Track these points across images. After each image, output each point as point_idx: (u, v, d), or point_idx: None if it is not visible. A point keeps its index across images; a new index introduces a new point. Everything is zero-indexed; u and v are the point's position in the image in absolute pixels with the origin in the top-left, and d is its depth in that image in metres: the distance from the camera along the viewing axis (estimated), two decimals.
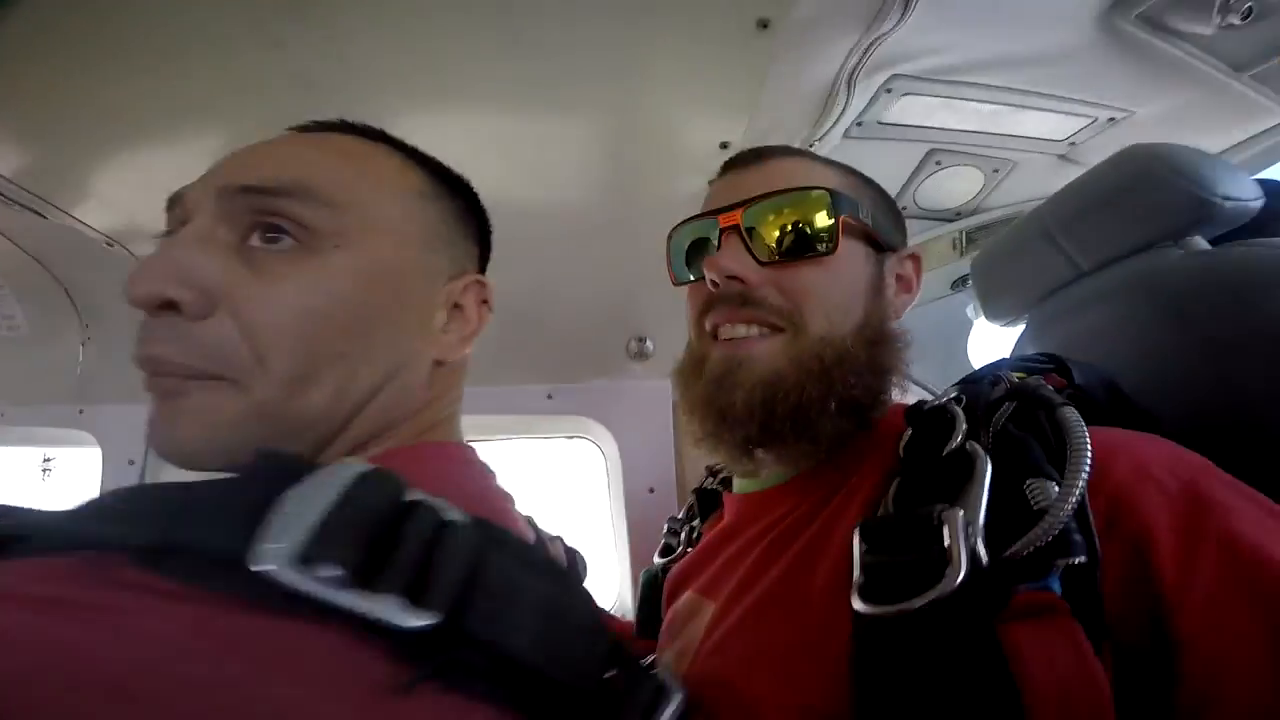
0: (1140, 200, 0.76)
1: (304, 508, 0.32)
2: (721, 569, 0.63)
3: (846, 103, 0.93)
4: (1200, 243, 0.75)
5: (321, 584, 0.30)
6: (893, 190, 1.09)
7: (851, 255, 0.62)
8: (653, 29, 0.77)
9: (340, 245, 0.47)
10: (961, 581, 0.39)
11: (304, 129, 0.54)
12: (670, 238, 0.70)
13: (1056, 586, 0.39)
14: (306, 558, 0.30)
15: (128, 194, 0.97)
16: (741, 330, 0.61)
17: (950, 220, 1.34)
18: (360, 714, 0.29)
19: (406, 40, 0.76)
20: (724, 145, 0.94)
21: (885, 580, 0.43)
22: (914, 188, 1.23)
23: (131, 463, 1.33)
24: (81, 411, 1.37)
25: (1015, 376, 0.55)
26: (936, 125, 1.05)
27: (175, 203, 0.48)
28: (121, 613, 0.28)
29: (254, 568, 0.30)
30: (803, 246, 0.60)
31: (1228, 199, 0.72)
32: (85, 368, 1.36)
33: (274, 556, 0.30)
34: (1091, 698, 0.36)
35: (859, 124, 1.03)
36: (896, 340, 0.62)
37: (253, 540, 0.30)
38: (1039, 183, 1.25)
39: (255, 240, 0.45)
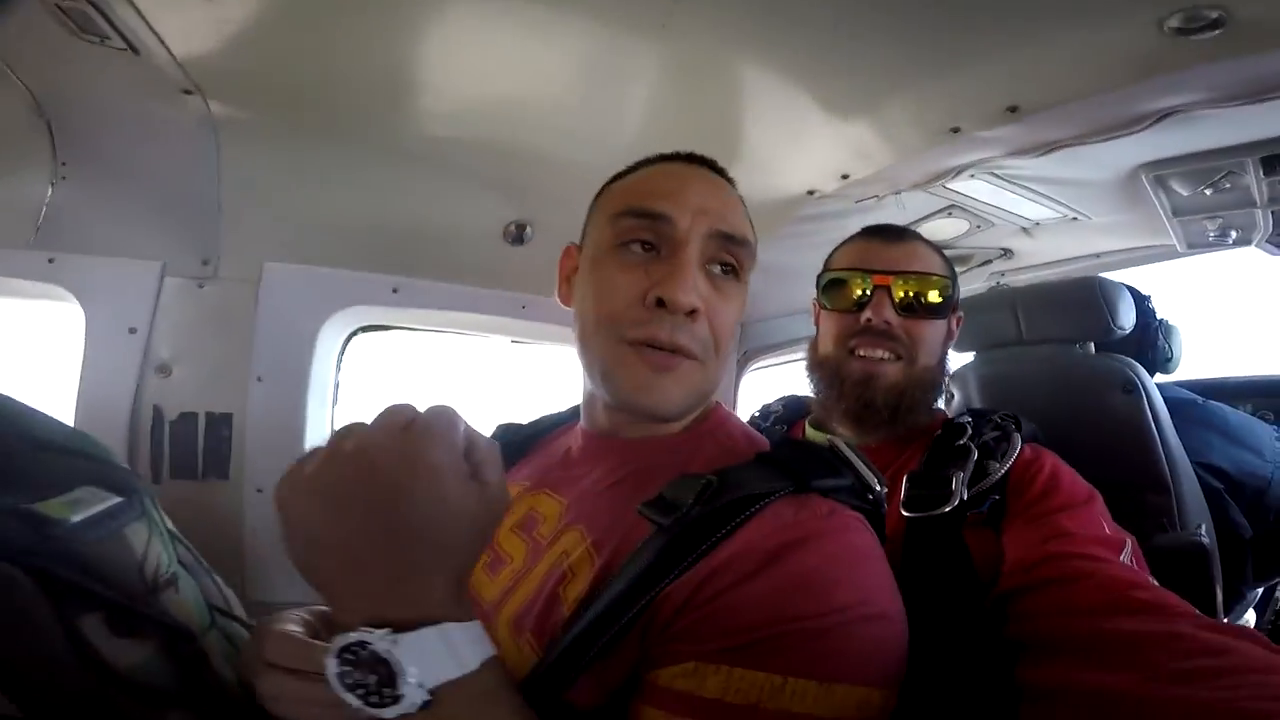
0: (1077, 311, 1.20)
1: (859, 462, 0.65)
2: None
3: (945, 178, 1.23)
4: (1090, 348, 1.22)
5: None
6: None
7: (944, 317, 1.00)
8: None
9: (745, 284, 0.73)
10: (954, 506, 0.79)
11: (713, 167, 0.76)
12: (821, 277, 1.03)
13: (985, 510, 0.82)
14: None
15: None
16: (878, 354, 0.96)
17: None
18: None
19: None
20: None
21: (916, 503, 0.82)
22: (924, 219, 1.57)
23: (133, 331, 1.22)
24: (52, 260, 1.20)
25: (999, 417, 0.94)
26: (972, 194, 1.37)
27: (659, 218, 0.67)
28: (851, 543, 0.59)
29: (870, 495, 0.63)
30: (924, 312, 0.97)
31: (1120, 328, 1.17)
32: (55, 209, 1.18)
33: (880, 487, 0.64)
34: (995, 562, 0.74)
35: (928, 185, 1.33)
36: (946, 364, 1.04)
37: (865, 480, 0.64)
38: (1000, 239, 1.63)
39: (716, 269, 0.69)
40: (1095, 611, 0.61)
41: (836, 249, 1.07)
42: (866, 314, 0.96)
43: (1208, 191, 1.25)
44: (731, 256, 0.70)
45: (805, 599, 0.53)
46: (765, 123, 1.07)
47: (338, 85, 1.04)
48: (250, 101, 1.08)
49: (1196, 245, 1.46)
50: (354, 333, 1.47)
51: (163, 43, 0.89)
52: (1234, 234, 1.38)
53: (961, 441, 0.88)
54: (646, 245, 0.68)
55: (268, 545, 1.28)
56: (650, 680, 0.55)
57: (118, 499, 0.74)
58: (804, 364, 1.09)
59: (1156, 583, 0.66)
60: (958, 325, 1.06)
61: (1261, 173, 1.15)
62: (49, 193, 1.16)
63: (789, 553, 0.55)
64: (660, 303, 0.65)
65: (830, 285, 1.02)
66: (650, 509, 0.61)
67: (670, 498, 0.61)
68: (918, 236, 1.04)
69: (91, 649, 0.63)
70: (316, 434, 1.38)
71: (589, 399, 0.80)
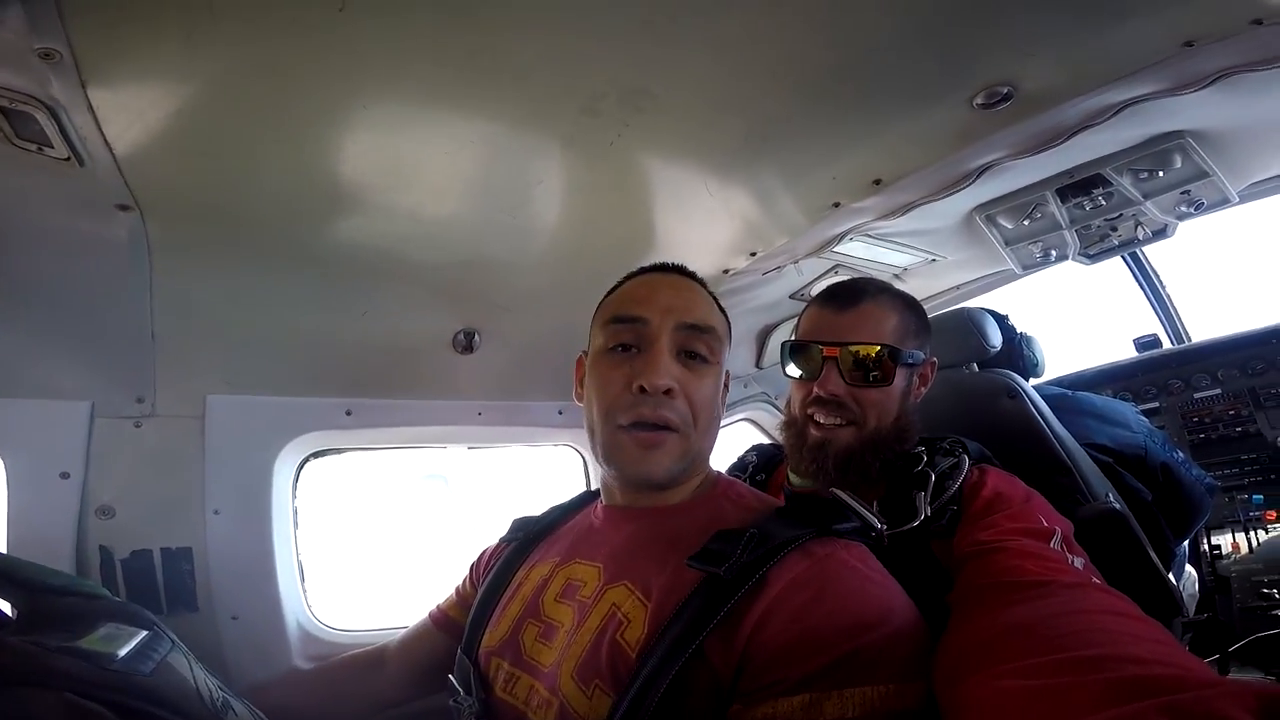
0: (956, 339, 1.42)
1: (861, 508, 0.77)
2: None
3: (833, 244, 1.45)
4: (974, 367, 1.43)
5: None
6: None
7: (897, 379, 1.06)
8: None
9: (716, 364, 0.87)
10: (919, 521, 0.91)
11: (681, 271, 0.93)
12: (784, 345, 1.13)
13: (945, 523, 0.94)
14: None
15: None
16: (831, 420, 1.05)
17: None
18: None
19: None
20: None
21: (887, 521, 0.91)
22: (816, 279, 1.80)
23: (66, 475, 1.13)
24: None
25: (948, 444, 1.06)
26: (852, 253, 1.61)
27: (635, 320, 0.84)
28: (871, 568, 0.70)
29: (873, 534, 0.74)
30: (870, 380, 1.05)
31: (992, 346, 1.40)
32: None
33: (880, 525, 0.76)
34: (955, 565, 0.86)
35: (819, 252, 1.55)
36: (912, 416, 1.10)
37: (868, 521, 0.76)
38: None
39: (687, 355, 0.85)
40: (985, 586, 0.76)
41: (803, 311, 1.17)
42: (815, 388, 1.06)
43: (1025, 221, 1.56)
44: (700, 343, 0.87)
45: (863, 614, 0.67)
46: (685, 217, 1.24)
47: (277, 203, 1.04)
48: (187, 219, 1.02)
49: (1029, 266, 1.78)
50: (306, 459, 1.44)
51: (111, 153, 0.86)
52: (1054, 253, 1.70)
53: (919, 469, 1.00)
54: (630, 346, 0.86)
55: (252, 671, 1.23)
56: (764, 716, 0.63)
57: (144, 631, 0.78)
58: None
59: (1078, 564, 0.80)
60: (932, 371, 1.17)
61: (1059, 200, 1.46)
62: None
63: (834, 581, 0.70)
64: (642, 389, 0.81)
65: (792, 352, 1.12)
66: (699, 561, 0.72)
67: (716, 550, 0.73)
68: (877, 295, 1.11)
69: None
70: (285, 560, 1.35)
71: (604, 482, 0.96)
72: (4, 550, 1.10)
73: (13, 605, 0.75)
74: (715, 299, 0.94)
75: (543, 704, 0.76)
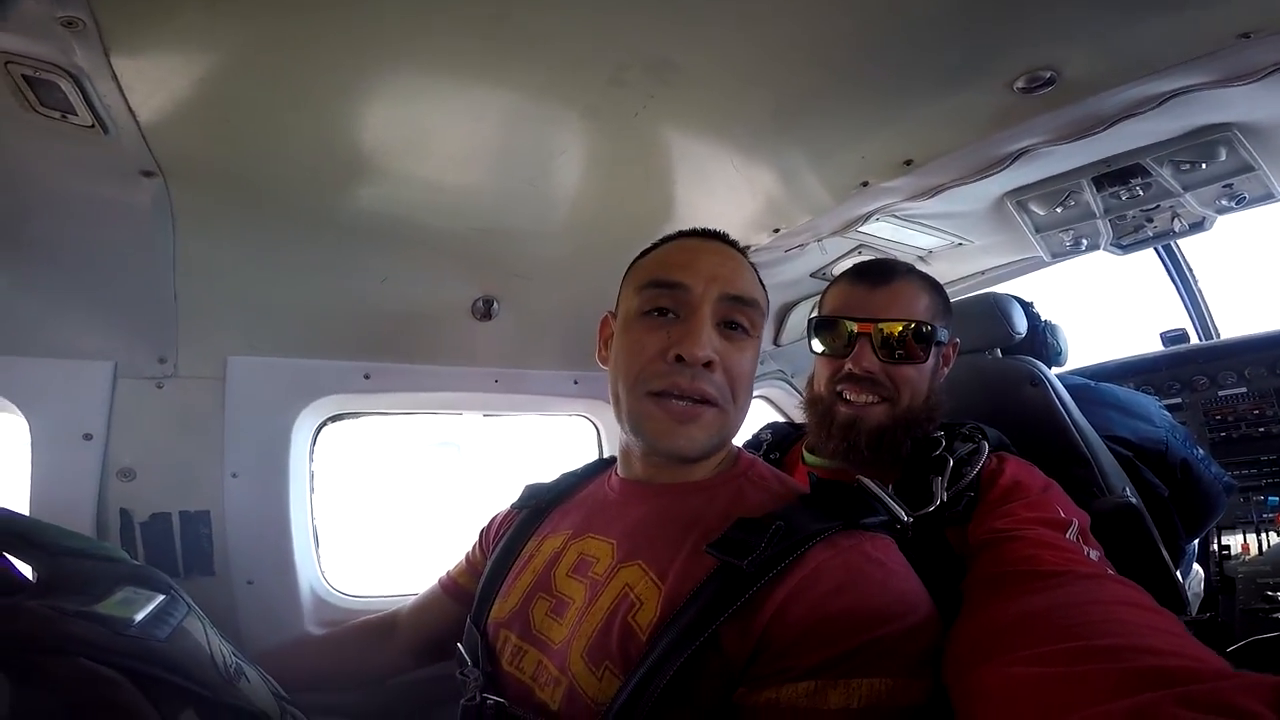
0: (981, 324, 1.40)
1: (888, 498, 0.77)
2: None
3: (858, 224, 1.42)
4: (997, 353, 1.41)
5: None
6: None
7: (929, 358, 1.06)
8: None
9: (756, 337, 0.84)
10: (935, 507, 0.90)
11: (724, 239, 0.90)
12: (811, 320, 1.11)
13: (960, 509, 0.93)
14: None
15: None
16: (862, 399, 1.04)
17: None
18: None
19: None
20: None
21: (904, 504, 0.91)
22: (839, 259, 1.78)
23: (89, 437, 1.15)
24: None
25: (968, 429, 1.06)
26: (877, 234, 1.58)
27: (675, 286, 0.81)
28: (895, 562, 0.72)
29: (899, 526, 0.74)
30: (906, 357, 1.04)
31: (1017, 333, 1.38)
32: None
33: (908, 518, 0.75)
34: (969, 553, 0.86)
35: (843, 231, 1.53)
36: (940, 396, 1.10)
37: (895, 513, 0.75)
38: None
39: (729, 327, 0.82)
40: (1000, 574, 0.76)
41: (828, 288, 1.16)
42: (848, 363, 1.04)
43: (1059, 209, 1.52)
44: (742, 315, 0.83)
45: (884, 608, 0.66)
46: (708, 191, 1.22)
47: (299, 170, 1.03)
48: (210, 184, 1.03)
49: (1058, 254, 1.74)
50: (324, 422, 1.45)
51: (135, 121, 0.85)
52: (1085, 242, 1.66)
53: (938, 453, 0.98)
54: (667, 311, 0.82)
55: (265, 636, 1.24)
56: (769, 701, 0.63)
57: (161, 596, 0.78)
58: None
59: (1093, 556, 0.80)
60: (954, 351, 1.17)
61: (1095, 189, 1.42)
62: None
63: (858, 574, 0.68)
64: (680, 358, 0.78)
65: (819, 328, 1.10)
66: (719, 550, 0.70)
67: (738, 539, 0.71)
68: (907, 274, 1.11)
69: None
70: (301, 525, 1.37)
71: (624, 451, 0.92)
72: (26, 513, 1.10)
73: (33, 568, 0.76)
74: (757, 272, 0.91)
75: (551, 681, 0.76)
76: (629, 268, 0.93)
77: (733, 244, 0.91)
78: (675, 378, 0.78)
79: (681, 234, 0.92)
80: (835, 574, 0.67)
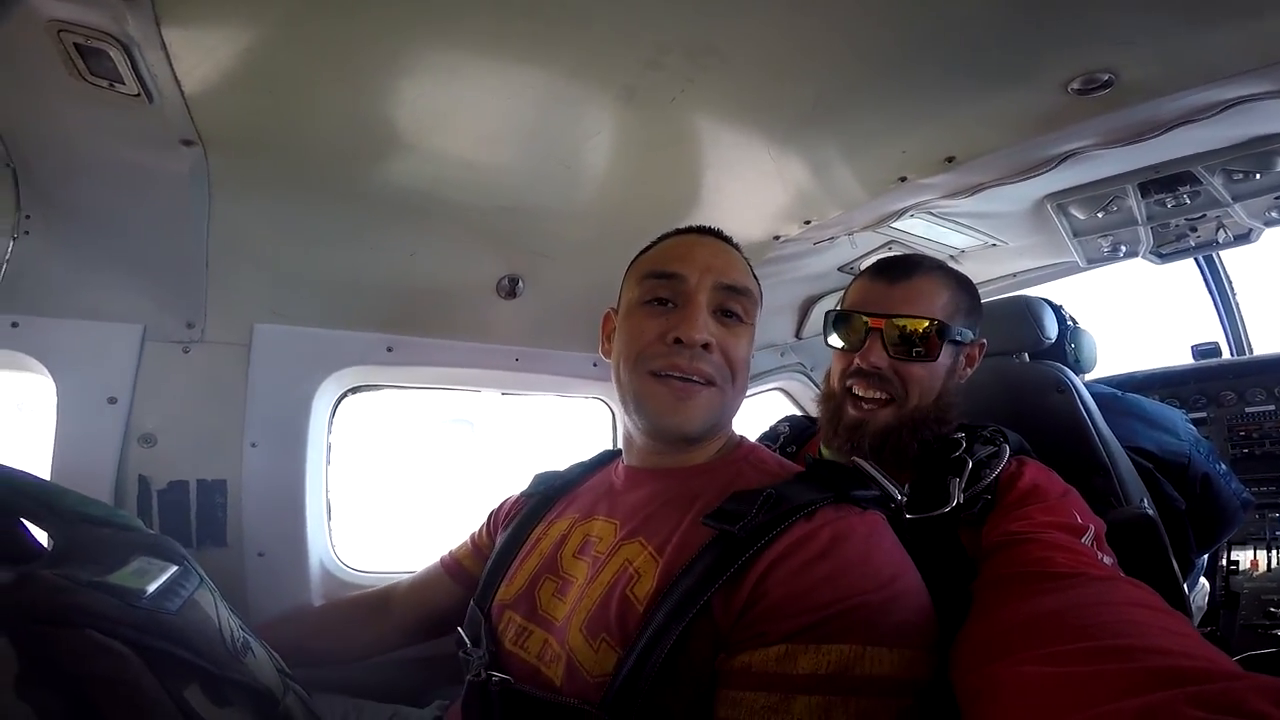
0: (1011, 327, 1.37)
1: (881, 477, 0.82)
2: None
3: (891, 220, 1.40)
4: (1025, 357, 1.39)
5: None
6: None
7: (943, 356, 1.03)
8: None
9: (751, 324, 0.85)
10: (950, 507, 0.89)
11: (718, 235, 0.93)
12: (828, 314, 1.10)
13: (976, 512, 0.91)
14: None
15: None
16: (872, 395, 1.03)
17: None
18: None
19: None
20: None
21: (918, 506, 0.91)
22: (868, 254, 1.75)
23: (113, 400, 1.15)
24: (15, 325, 1.12)
25: (989, 432, 1.03)
26: (909, 230, 1.55)
27: (673, 277, 0.85)
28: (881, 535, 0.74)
29: (892, 505, 0.77)
30: (915, 354, 1.01)
31: (1047, 338, 1.35)
32: (17, 267, 1.08)
33: (900, 497, 0.79)
34: (981, 555, 0.84)
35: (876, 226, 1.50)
36: (954, 396, 1.06)
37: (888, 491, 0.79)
38: None
39: (723, 314, 0.86)
40: (1013, 575, 0.75)
41: (851, 283, 1.14)
42: (857, 359, 1.03)
43: (1099, 214, 1.48)
44: (736, 303, 0.87)
45: (863, 578, 0.67)
46: (741, 180, 1.20)
47: (334, 142, 1.03)
48: (247, 154, 1.03)
49: (1094, 260, 1.70)
50: (344, 394, 1.46)
51: (180, 90, 0.86)
52: (1123, 249, 1.62)
53: (957, 454, 0.97)
54: (666, 301, 0.86)
55: (272, 609, 1.25)
56: (742, 665, 0.65)
57: (175, 567, 0.78)
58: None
59: (1107, 562, 0.78)
60: (980, 353, 1.13)
61: (1140, 195, 1.38)
62: (9, 247, 1.07)
63: (841, 543, 0.69)
64: (678, 341, 0.82)
65: (836, 322, 1.09)
66: (714, 520, 0.73)
67: (732, 509, 0.74)
68: (931, 270, 1.08)
69: None
70: (315, 497, 1.37)
71: (627, 438, 0.96)
72: (47, 476, 1.11)
73: (50, 535, 0.76)
74: (749, 265, 0.94)
75: (554, 658, 0.78)
76: (630, 264, 0.96)
77: (726, 239, 0.95)
78: (675, 358, 0.82)
79: (678, 231, 0.96)
80: (819, 542, 0.69)
